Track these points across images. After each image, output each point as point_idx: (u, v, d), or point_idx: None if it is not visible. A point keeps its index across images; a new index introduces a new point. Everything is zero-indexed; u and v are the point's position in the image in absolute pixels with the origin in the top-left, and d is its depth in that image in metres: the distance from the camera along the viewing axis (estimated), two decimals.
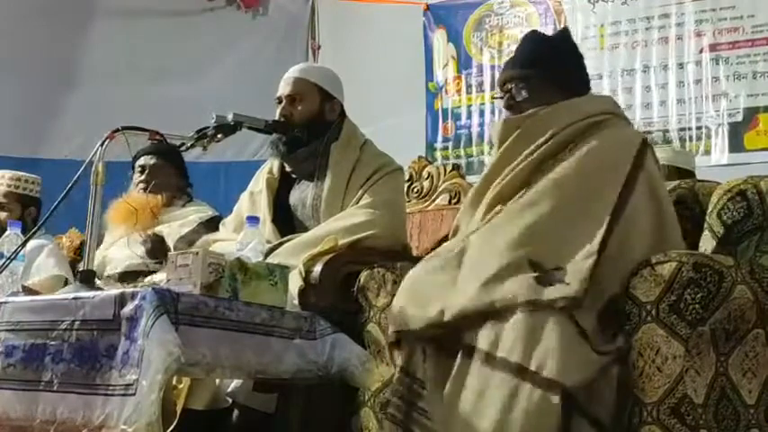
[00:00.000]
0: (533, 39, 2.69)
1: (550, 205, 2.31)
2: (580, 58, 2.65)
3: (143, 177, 3.58)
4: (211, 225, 3.41)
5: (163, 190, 3.56)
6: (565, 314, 2.06)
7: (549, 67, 2.54)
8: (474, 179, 4.05)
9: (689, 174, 4.05)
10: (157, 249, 3.34)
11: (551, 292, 2.08)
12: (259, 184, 3.12)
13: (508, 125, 2.54)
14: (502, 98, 2.59)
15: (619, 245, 2.20)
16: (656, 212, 2.31)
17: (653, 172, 2.38)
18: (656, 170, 2.42)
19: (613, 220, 2.23)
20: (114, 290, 2.20)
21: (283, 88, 3.05)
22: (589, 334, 2.06)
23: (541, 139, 2.44)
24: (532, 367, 2.03)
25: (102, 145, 2.42)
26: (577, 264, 2.13)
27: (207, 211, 3.58)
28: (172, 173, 3.64)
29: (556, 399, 1.97)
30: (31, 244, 3.44)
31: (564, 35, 2.75)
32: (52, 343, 2.09)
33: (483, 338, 2.14)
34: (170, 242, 3.38)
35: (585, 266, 2.11)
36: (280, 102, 3.04)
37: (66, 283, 3.50)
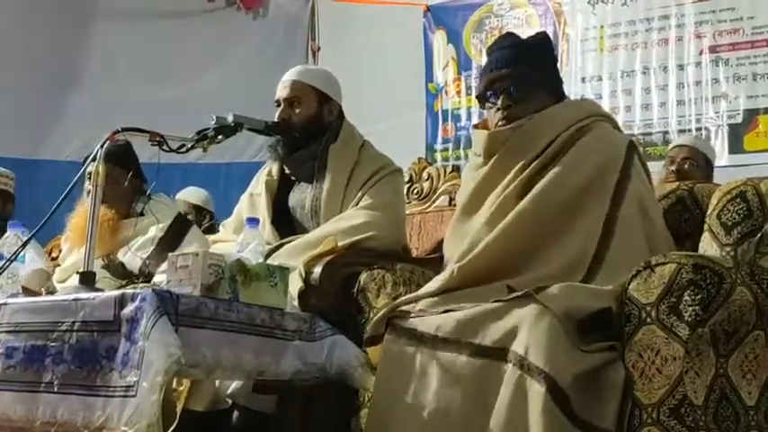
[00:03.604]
0: (515, 39, 2.61)
1: (532, 223, 2.35)
2: (557, 60, 2.63)
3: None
4: (173, 232, 3.28)
5: (116, 201, 3.28)
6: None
7: (536, 66, 2.52)
8: None
9: (707, 160, 4.10)
10: (120, 273, 3.29)
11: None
12: (259, 186, 3.12)
13: (495, 137, 2.51)
14: (484, 102, 2.56)
15: (613, 260, 2.25)
16: (644, 223, 2.34)
17: (639, 182, 2.39)
18: (643, 175, 2.44)
19: (608, 236, 2.28)
20: (115, 291, 2.20)
21: (281, 92, 3.05)
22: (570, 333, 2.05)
23: (535, 152, 2.44)
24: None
25: (101, 146, 2.42)
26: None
27: (165, 213, 3.36)
28: (124, 177, 3.30)
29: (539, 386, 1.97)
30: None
31: (542, 36, 2.67)
32: (52, 344, 2.09)
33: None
34: (133, 265, 3.23)
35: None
36: (278, 105, 3.05)
37: (48, 276, 3.47)
